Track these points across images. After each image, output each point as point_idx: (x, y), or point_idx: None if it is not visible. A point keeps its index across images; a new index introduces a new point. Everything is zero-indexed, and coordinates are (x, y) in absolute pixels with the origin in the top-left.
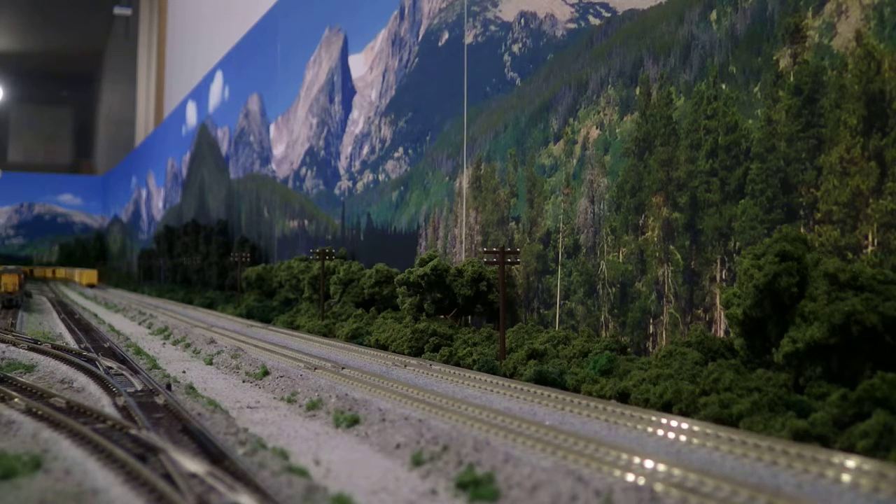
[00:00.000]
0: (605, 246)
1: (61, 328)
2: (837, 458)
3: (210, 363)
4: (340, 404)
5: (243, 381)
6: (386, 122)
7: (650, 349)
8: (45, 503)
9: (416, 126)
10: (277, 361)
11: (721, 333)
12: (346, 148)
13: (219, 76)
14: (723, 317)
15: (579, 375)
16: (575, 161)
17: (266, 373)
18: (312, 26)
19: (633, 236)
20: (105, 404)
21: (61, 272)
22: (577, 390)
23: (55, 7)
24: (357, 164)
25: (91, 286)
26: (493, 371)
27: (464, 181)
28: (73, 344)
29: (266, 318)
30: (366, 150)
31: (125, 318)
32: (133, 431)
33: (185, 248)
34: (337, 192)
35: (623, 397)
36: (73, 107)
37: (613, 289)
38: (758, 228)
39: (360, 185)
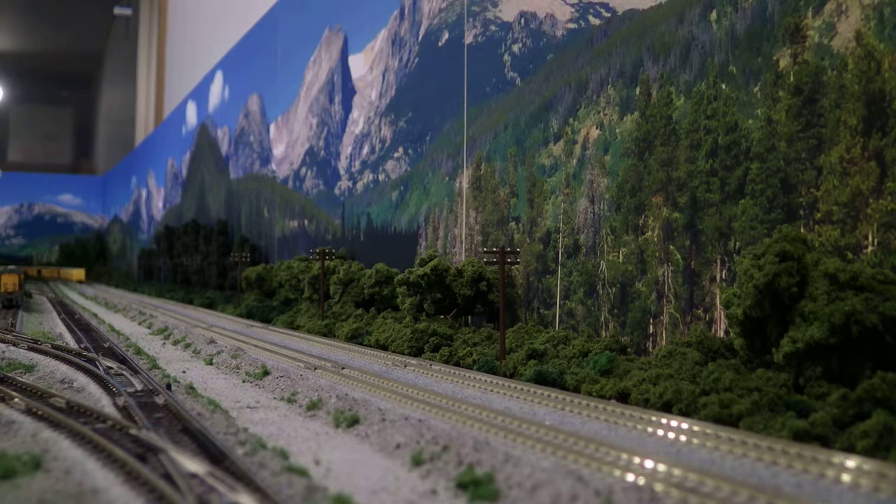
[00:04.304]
0: (605, 246)
1: (61, 328)
2: (837, 458)
3: (210, 363)
4: (340, 404)
5: (243, 381)
6: (386, 122)
7: (650, 349)
8: (45, 503)
9: (416, 126)
10: (277, 361)
11: (721, 333)
12: (346, 148)
13: (219, 76)
14: (723, 317)
15: (579, 375)
16: (575, 161)
17: (266, 373)
18: (312, 26)
19: (633, 236)
20: (105, 404)
21: (54, 272)
22: (577, 390)
23: (55, 7)
24: (357, 164)
25: (80, 282)
26: (493, 371)
27: (464, 181)
28: (73, 344)
29: (266, 318)
30: (366, 150)
31: (125, 317)
32: (133, 431)
33: (185, 248)
34: (337, 192)
35: (623, 397)
36: (73, 107)
37: (613, 289)
38: (758, 228)
39: (360, 185)
